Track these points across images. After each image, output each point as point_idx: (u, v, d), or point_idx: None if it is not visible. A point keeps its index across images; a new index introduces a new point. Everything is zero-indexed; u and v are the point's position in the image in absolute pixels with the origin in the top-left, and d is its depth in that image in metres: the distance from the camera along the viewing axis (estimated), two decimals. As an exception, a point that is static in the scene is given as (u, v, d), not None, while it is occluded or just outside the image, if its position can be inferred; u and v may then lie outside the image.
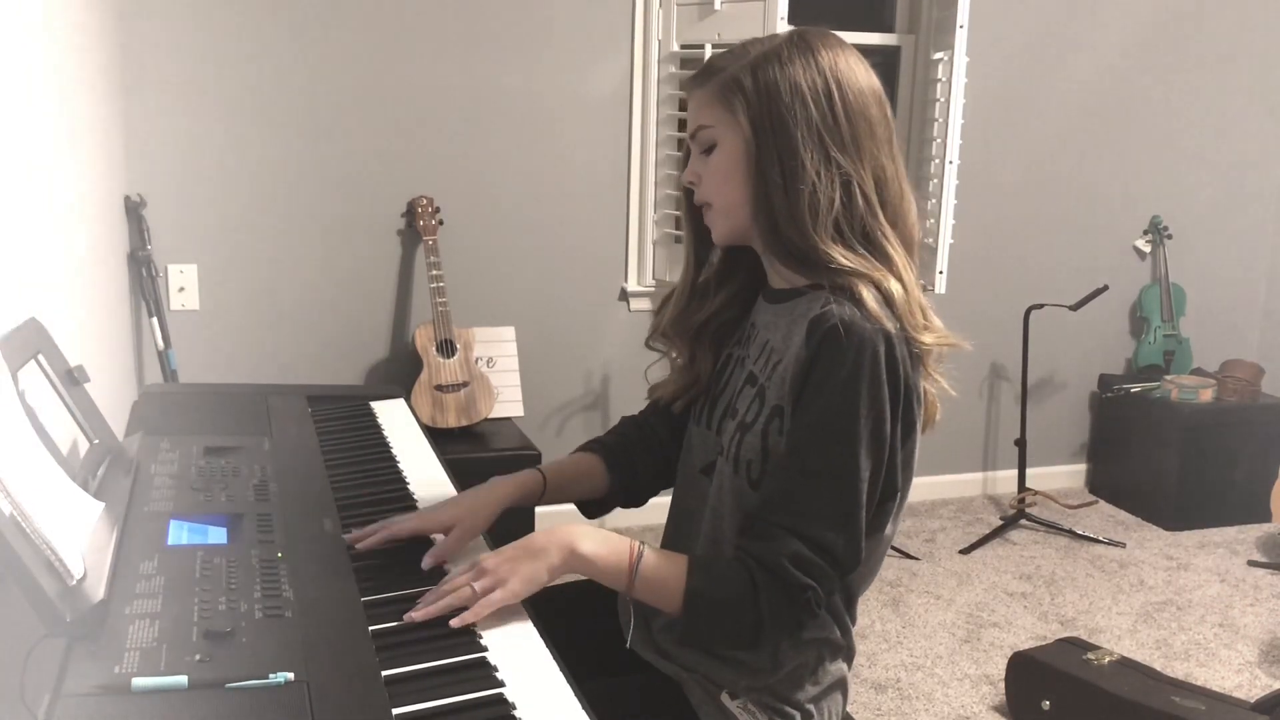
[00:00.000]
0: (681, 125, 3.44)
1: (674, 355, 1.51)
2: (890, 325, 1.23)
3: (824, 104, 1.28)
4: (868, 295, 1.24)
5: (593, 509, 1.58)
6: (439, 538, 1.34)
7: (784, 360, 1.29)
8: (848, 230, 1.29)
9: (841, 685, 1.41)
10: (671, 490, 1.55)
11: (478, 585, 1.18)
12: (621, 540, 1.28)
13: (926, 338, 1.27)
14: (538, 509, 1.58)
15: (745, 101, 1.30)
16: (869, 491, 1.24)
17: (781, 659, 1.33)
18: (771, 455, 1.29)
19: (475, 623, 1.16)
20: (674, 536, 1.49)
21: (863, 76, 1.32)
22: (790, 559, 1.21)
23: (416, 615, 1.15)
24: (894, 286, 1.27)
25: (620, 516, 1.59)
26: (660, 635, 1.43)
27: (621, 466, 1.55)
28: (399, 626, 1.14)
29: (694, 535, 1.40)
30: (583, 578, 1.29)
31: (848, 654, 1.40)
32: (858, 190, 1.28)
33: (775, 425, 1.28)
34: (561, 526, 1.27)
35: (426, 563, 1.29)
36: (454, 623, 1.15)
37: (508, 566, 1.21)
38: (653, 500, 1.61)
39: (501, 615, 1.19)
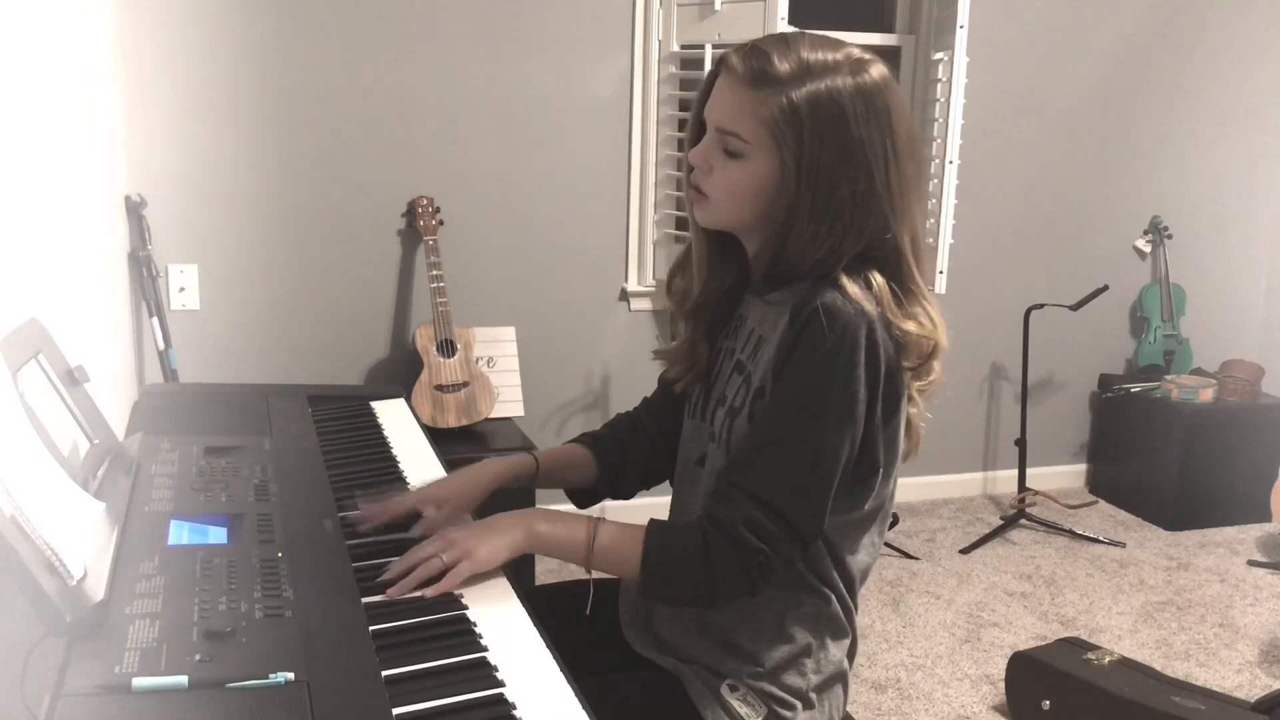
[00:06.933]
0: (682, 125, 3.43)
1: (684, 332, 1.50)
2: (872, 309, 1.24)
3: (882, 170, 1.25)
4: (848, 282, 1.25)
5: (582, 498, 1.62)
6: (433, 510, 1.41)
7: (769, 345, 1.31)
8: (859, 262, 1.28)
9: (842, 678, 1.41)
10: (664, 488, 1.57)
11: (446, 557, 1.24)
12: (579, 518, 1.32)
13: (909, 325, 1.26)
14: (539, 493, 1.60)
15: (799, 147, 1.23)
16: (837, 467, 1.25)
17: (789, 629, 1.35)
18: None
19: (451, 591, 1.22)
20: None
21: (911, 120, 1.30)
22: (745, 523, 1.24)
23: (391, 593, 1.20)
24: (875, 277, 1.27)
25: (621, 512, 1.60)
26: (660, 630, 1.43)
27: (610, 459, 1.59)
28: (399, 626, 1.14)
29: None
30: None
31: (849, 642, 1.41)
32: (891, 254, 1.28)
33: (759, 406, 1.31)
34: (523, 510, 1.34)
35: (415, 531, 1.36)
36: (428, 593, 1.21)
37: (473, 540, 1.26)
38: (652, 494, 1.62)
39: (500, 615, 1.20)
